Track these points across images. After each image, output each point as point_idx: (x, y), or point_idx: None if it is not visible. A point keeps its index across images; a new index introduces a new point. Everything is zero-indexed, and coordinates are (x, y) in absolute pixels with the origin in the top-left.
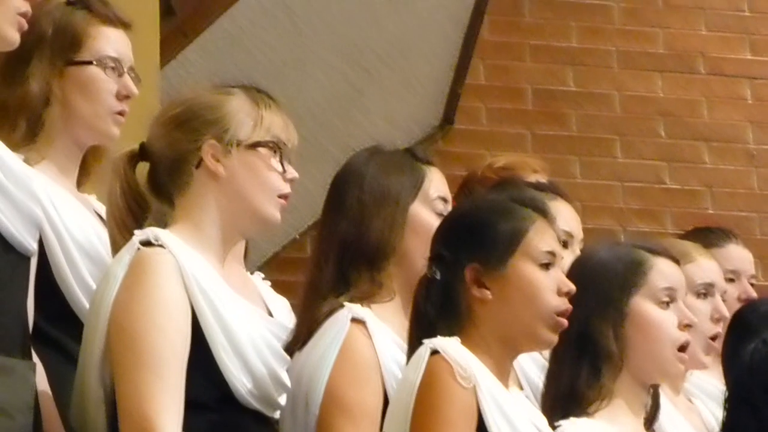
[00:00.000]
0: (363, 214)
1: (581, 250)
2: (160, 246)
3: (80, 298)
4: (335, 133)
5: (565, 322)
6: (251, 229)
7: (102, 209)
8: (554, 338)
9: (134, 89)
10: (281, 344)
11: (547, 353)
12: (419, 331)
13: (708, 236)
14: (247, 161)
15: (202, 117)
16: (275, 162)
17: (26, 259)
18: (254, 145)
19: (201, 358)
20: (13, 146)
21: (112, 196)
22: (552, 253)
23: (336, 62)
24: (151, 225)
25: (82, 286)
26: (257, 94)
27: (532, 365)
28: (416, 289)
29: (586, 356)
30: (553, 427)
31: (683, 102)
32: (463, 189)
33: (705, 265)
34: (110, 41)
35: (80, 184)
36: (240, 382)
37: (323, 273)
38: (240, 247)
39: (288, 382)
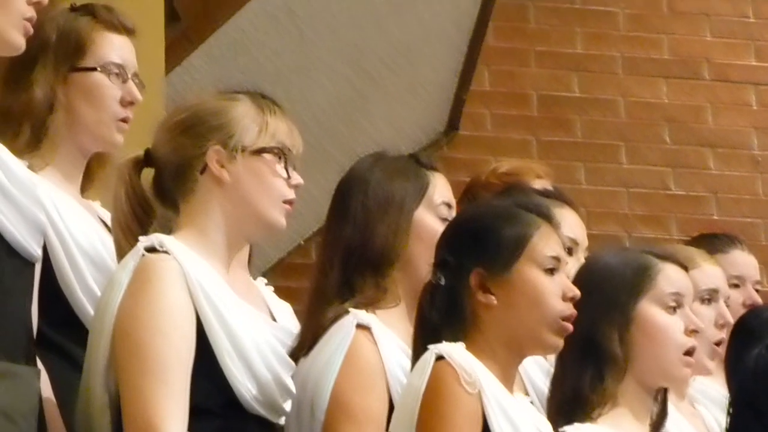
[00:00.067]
0: (367, 219)
1: (588, 255)
2: (165, 252)
3: (84, 304)
4: (340, 139)
5: (570, 326)
6: (256, 235)
7: (106, 215)
8: (560, 343)
9: (138, 95)
10: (286, 350)
11: (552, 358)
12: (424, 336)
13: (713, 242)
14: (252, 167)
15: (207, 123)
16: (280, 168)
17: (30, 264)
18: (259, 151)
19: (206, 364)
20: (18, 152)
21: (117, 201)
22: (557, 258)
23: (341, 68)
24: (156, 231)
25: (87, 292)
26: (262, 100)
27: (538, 371)
28: (421, 295)
29: (590, 360)
30: None
31: (688, 108)
32: (466, 194)
33: (709, 271)
34: (114, 47)
35: (84, 190)
36: (245, 387)
37: (328, 279)
38: (244, 253)
39: (293, 388)
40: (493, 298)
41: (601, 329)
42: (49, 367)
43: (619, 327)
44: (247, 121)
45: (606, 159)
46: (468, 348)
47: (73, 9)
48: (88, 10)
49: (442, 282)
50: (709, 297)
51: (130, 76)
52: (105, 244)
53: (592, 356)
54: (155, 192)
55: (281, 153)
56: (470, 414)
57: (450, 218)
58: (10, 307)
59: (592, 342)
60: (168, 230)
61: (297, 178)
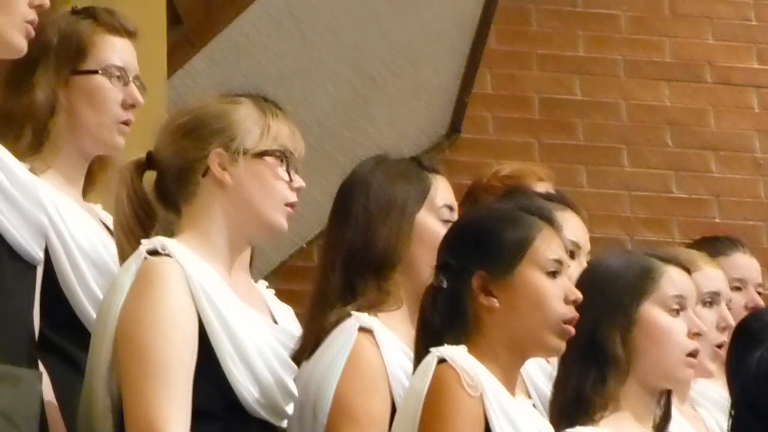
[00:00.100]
0: (369, 222)
1: (591, 258)
2: (167, 255)
3: (86, 307)
4: (342, 141)
5: (572, 329)
6: (258, 237)
7: (108, 219)
8: (562, 345)
9: (140, 98)
10: (288, 353)
11: (555, 361)
12: (426, 339)
13: (715, 245)
14: (253, 170)
15: (209, 126)
16: (282, 171)
17: (32, 267)
18: (261, 154)
19: (208, 367)
20: (19, 155)
21: (119, 204)
22: (559, 261)
23: (343, 71)
24: (158, 234)
25: (89, 295)
26: (264, 103)
27: (540, 374)
28: (423, 298)
29: (593, 362)
30: None
31: (690, 111)
32: (468, 197)
33: (711, 274)
34: (116, 50)
35: (85, 193)
36: (247, 390)
37: (330, 282)
38: (246, 256)
39: (295, 391)
40: (495, 300)
41: (604, 331)
42: (50, 370)
43: (622, 329)
44: (249, 124)
45: (608, 162)
46: (470, 351)
47: (75, 12)
48: (90, 13)
49: (444, 285)
50: (710, 300)
51: (131, 78)
52: (107, 246)
53: (595, 358)
54: (157, 195)
55: (283, 156)
56: (472, 417)
57: (452, 221)
58: (12, 310)
59: (595, 344)
60: (170, 233)
61: (299, 181)
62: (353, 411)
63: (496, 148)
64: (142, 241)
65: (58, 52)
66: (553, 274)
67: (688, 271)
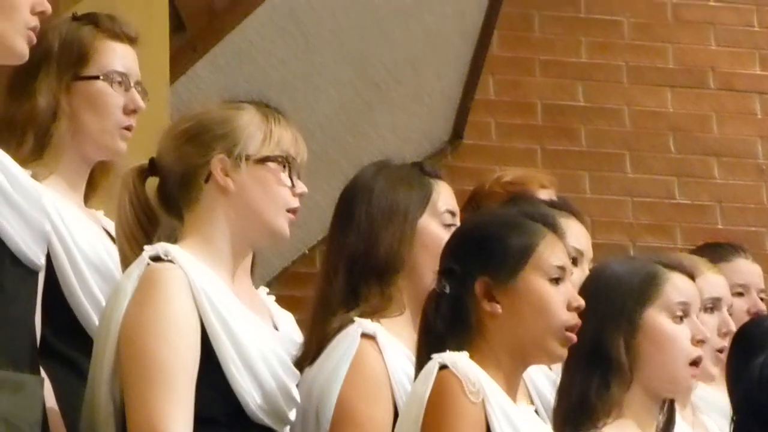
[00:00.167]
0: (372, 228)
1: (596, 264)
2: (170, 261)
3: (89, 313)
4: (345, 147)
5: (574, 337)
6: (261, 243)
7: (109, 225)
8: (564, 352)
9: (141, 103)
10: (290, 359)
11: (557, 368)
12: (428, 345)
13: (717, 251)
14: (256, 176)
15: (212, 131)
16: (284, 176)
17: (34, 273)
18: (263, 160)
19: (211, 373)
20: (21, 161)
21: (121, 210)
22: (562, 268)
23: (346, 77)
24: (160, 240)
25: (91, 301)
26: (267, 108)
27: (545, 380)
28: (425, 303)
29: (597, 368)
30: None
31: (693, 117)
32: (470, 203)
33: (712, 280)
34: (117, 56)
35: (87, 199)
36: (250, 396)
37: (333, 287)
38: (247, 262)
39: (298, 397)
40: (498, 306)
41: (608, 337)
42: (52, 375)
43: (626, 335)
44: (251, 129)
45: (611, 168)
46: (472, 356)
47: (76, 18)
48: (91, 19)
49: (447, 290)
50: (711, 306)
51: (132, 84)
52: (109, 252)
53: (599, 365)
54: (160, 201)
55: (285, 161)
56: (474, 423)
57: (454, 226)
58: (14, 316)
59: (599, 350)
60: (173, 239)
61: (301, 187)
62: (356, 417)
63: (498, 154)
64: (145, 247)
65: (60, 58)
66: (556, 281)
67: (692, 277)
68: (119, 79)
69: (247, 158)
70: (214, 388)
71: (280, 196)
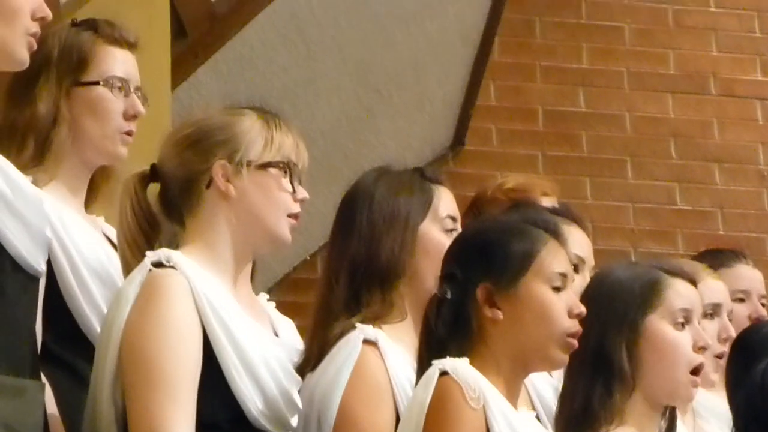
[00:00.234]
0: (373, 234)
1: (598, 269)
2: (172, 267)
3: (90, 319)
4: (347, 154)
5: (575, 343)
6: (262, 248)
7: (110, 231)
8: (565, 359)
9: (141, 109)
10: (292, 365)
11: (557, 374)
12: (429, 350)
13: (718, 257)
14: (257, 181)
15: (213, 137)
16: (285, 182)
17: (35, 279)
18: (265, 166)
19: (213, 379)
20: (22, 167)
21: (123, 216)
22: (563, 275)
23: (347, 83)
24: (162, 246)
25: (92, 307)
26: (268, 114)
27: (546, 386)
28: (427, 308)
29: (600, 375)
30: None
31: (694, 123)
32: (472, 209)
33: (712, 286)
34: (117, 61)
35: (88, 205)
36: (252, 402)
37: (334, 293)
38: (248, 268)
39: (300, 403)
40: (499, 312)
41: (611, 344)
42: (53, 381)
43: (628, 342)
44: (252, 135)
45: (612, 174)
46: (473, 362)
47: (75, 24)
48: (90, 25)
49: (449, 295)
50: (711, 312)
51: (132, 89)
52: (111, 259)
53: (602, 371)
54: (161, 207)
55: (287, 167)
56: (475, 429)
57: (455, 231)
58: (16, 322)
59: (602, 357)
60: (174, 245)
61: (302, 193)
62: (358, 423)
63: (500, 160)
64: (147, 253)
65: (60, 64)
66: (558, 288)
67: (695, 283)
68: (119, 84)
69: (249, 164)
70: (216, 394)
71: (281, 201)
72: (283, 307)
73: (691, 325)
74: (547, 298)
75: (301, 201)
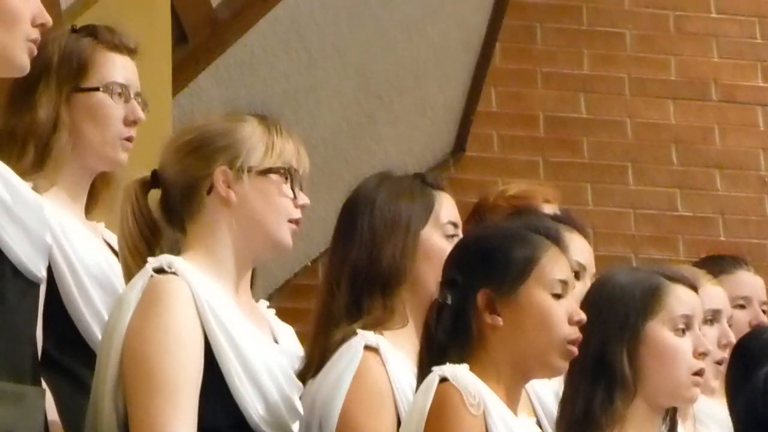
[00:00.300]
0: (374, 239)
1: (600, 274)
2: (174, 273)
3: (90, 325)
4: (348, 159)
5: (575, 350)
6: (264, 254)
7: (111, 237)
8: (565, 366)
9: (141, 114)
10: (293, 371)
11: (558, 378)
12: (430, 356)
13: (719, 263)
14: (258, 187)
15: (214, 143)
16: (286, 188)
17: (35, 285)
18: (265, 171)
19: (214, 385)
20: (22, 173)
21: (124, 222)
22: (564, 282)
23: (348, 89)
24: (163, 252)
25: (93, 313)
26: (269, 120)
27: (547, 391)
28: (427, 314)
29: (601, 381)
30: None
31: (696, 129)
32: (473, 216)
33: (712, 292)
34: (117, 67)
35: (89, 211)
36: (253, 408)
37: (335, 299)
38: (248, 275)
39: (301, 409)
40: (499, 319)
41: (612, 350)
42: (54, 388)
43: (629, 348)
44: (253, 141)
45: (613, 180)
46: (473, 368)
47: (75, 30)
48: (90, 31)
49: (449, 301)
50: (711, 318)
51: (132, 95)
52: (111, 265)
53: (603, 377)
54: (162, 213)
55: (288, 173)
56: None
57: (456, 237)
58: (16, 328)
59: (603, 363)
60: (176, 251)
61: (303, 198)
62: (359, 429)
63: (501, 166)
64: (149, 259)
65: (59, 70)
66: (558, 295)
67: (696, 289)
68: (119, 90)
69: (249, 170)
70: (217, 400)
71: (282, 207)
72: (284, 313)
73: (691, 331)
74: (548, 304)
75: (302, 207)
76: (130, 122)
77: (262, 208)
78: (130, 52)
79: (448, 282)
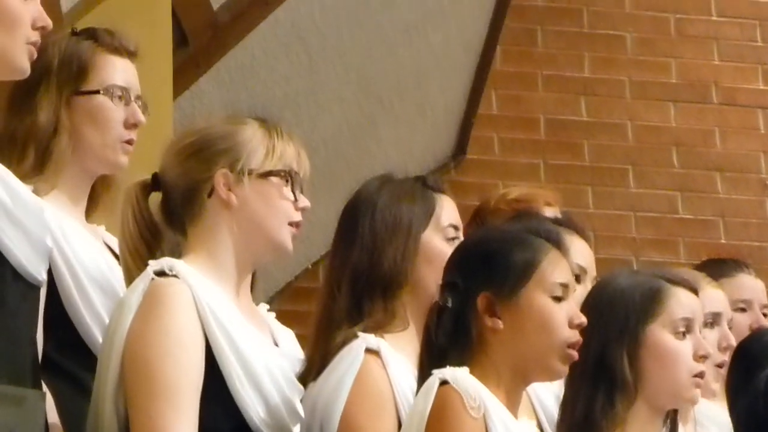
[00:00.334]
0: (375, 242)
1: (600, 277)
2: (175, 276)
3: (91, 328)
4: (348, 162)
5: (575, 354)
6: (264, 257)
7: (111, 240)
8: (565, 370)
9: (142, 117)
10: (294, 374)
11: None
12: (430, 359)
13: (720, 266)
14: (259, 190)
15: (215, 146)
16: (287, 191)
17: (36, 288)
18: (266, 174)
19: (215, 388)
20: (23, 176)
21: (125, 225)
22: (565, 285)
23: (349, 92)
24: (164, 255)
25: (93, 316)
26: (270, 123)
27: (548, 394)
28: (428, 317)
29: (601, 384)
30: None
31: (696, 132)
32: (474, 219)
33: (712, 295)
34: (117, 70)
35: (89, 214)
36: (254, 411)
37: (336, 302)
38: (248, 278)
39: (302, 412)
40: (499, 322)
41: (612, 353)
42: (54, 391)
43: (629, 351)
44: (254, 144)
45: (614, 183)
46: (473, 371)
47: (75, 33)
48: (90, 34)
49: (449, 304)
50: (712, 321)
51: (133, 98)
52: (112, 268)
53: (603, 381)
54: (163, 216)
55: (288, 176)
56: None
57: (457, 240)
58: (16, 331)
59: (603, 366)
60: (177, 254)
61: (304, 201)
62: None
63: (501, 168)
64: (150, 261)
65: (60, 73)
66: (559, 298)
67: (696, 292)
68: (119, 93)
69: (250, 173)
70: (218, 403)
71: (282, 209)
72: (285, 316)
73: (692, 334)
74: (548, 308)
75: (303, 209)
76: (130, 125)
77: (263, 211)
78: (131, 54)
79: (448, 285)
